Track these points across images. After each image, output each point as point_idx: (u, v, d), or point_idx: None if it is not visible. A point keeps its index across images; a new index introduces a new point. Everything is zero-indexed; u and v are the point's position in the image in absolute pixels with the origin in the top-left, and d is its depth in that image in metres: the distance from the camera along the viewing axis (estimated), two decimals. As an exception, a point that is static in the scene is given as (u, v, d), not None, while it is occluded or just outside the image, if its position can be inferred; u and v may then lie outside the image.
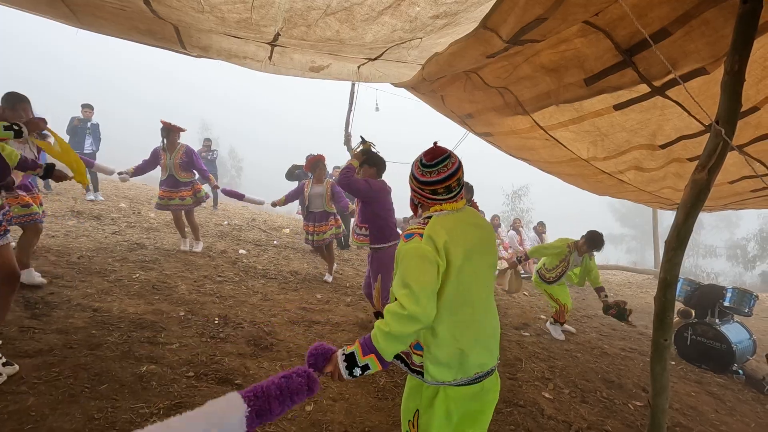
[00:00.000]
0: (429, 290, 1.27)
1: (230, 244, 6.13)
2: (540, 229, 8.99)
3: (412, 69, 3.92)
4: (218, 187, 5.18)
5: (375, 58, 3.62)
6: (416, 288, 1.25)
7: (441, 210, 1.44)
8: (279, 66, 4.22)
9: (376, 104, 6.82)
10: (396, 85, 5.05)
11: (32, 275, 3.29)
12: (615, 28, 2.31)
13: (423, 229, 1.37)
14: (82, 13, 3.28)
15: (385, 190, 3.44)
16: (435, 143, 1.51)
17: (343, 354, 1.29)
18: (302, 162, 6.89)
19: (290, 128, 71.99)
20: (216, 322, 3.30)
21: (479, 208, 4.28)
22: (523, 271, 8.40)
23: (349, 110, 6.85)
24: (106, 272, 3.85)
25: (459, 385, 1.39)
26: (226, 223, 7.56)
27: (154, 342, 2.76)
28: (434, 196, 1.44)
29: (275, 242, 6.94)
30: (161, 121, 4.91)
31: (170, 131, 4.88)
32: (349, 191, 3.31)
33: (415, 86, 4.61)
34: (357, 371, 1.26)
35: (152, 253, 4.78)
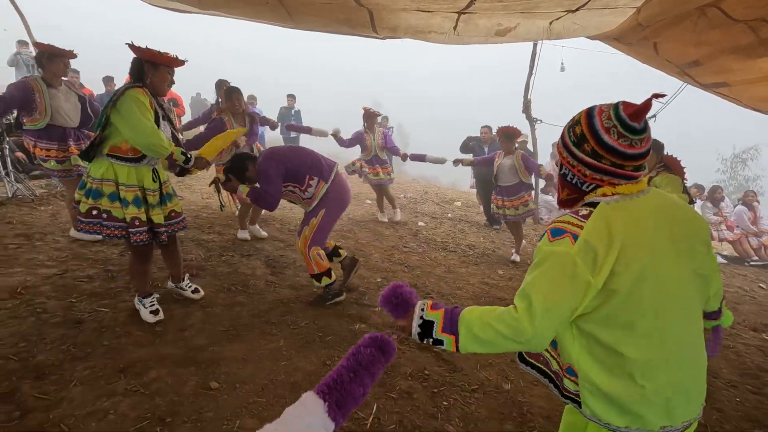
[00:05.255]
0: (554, 313, 0.95)
1: (409, 216, 6.47)
2: (785, 203, 6.89)
3: (622, 15, 3.34)
4: (407, 156, 5.56)
5: (576, 9, 3.19)
6: (538, 305, 0.95)
7: (614, 195, 1.01)
8: (462, 35, 4.13)
9: (562, 64, 6.14)
10: (592, 37, 4.41)
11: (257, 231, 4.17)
12: None
13: (581, 227, 0.97)
14: (296, 12, 3.76)
15: (292, 154, 2.94)
16: (654, 95, 0.99)
17: (421, 318, 1.10)
18: (476, 134, 6.75)
19: (456, 100, 71.26)
20: (408, 290, 3.52)
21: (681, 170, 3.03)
22: (757, 258, 6.64)
23: (530, 73, 6.30)
24: (315, 239, 4.50)
25: None
26: (402, 195, 8.01)
27: (360, 303, 3.11)
28: (623, 173, 1.01)
29: (449, 215, 7.05)
30: (363, 108, 5.56)
31: (370, 116, 5.50)
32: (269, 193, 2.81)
33: (619, 36, 3.94)
34: (429, 341, 1.08)
35: (347, 223, 5.38)
